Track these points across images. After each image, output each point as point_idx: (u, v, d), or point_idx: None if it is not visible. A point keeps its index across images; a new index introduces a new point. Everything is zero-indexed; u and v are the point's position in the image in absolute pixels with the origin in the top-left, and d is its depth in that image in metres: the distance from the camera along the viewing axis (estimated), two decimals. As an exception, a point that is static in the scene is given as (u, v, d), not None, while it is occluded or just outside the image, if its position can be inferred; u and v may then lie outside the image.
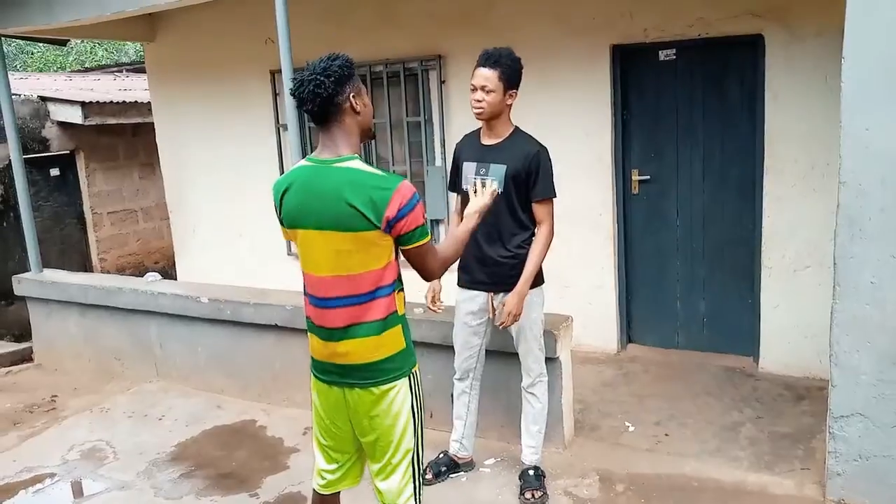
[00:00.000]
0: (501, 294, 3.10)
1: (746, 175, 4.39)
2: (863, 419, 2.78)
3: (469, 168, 3.06)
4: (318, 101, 2.09)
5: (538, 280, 3.09)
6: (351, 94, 2.13)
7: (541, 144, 3.04)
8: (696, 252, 4.64)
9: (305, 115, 2.17)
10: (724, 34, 4.20)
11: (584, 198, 4.74)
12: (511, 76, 2.91)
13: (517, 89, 2.97)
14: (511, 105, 2.99)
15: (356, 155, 2.16)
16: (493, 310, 3.16)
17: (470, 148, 3.12)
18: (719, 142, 4.46)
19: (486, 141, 3.07)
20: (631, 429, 3.81)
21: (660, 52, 4.50)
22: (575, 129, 4.68)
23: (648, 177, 4.69)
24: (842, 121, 2.63)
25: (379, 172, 2.13)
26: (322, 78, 2.07)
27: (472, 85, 2.92)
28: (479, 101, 2.91)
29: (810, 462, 3.34)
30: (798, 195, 4.14)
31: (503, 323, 3.04)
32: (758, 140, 4.26)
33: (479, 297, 3.16)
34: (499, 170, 2.98)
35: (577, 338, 3.87)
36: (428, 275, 2.27)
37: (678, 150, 4.58)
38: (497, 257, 3.06)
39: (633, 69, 4.62)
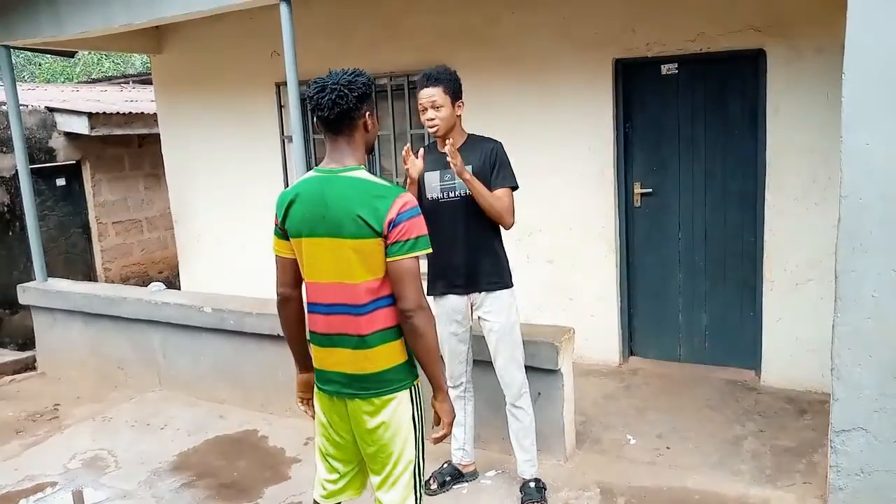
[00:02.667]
0: (483, 294, 3.14)
1: (748, 188, 4.40)
2: (865, 433, 2.77)
3: (432, 177, 3.11)
4: (336, 112, 2.13)
5: (508, 282, 3.15)
6: (366, 113, 2.19)
7: (496, 140, 3.11)
8: (698, 265, 4.66)
9: (316, 120, 2.20)
10: (726, 49, 4.23)
11: (587, 210, 4.77)
12: (454, 89, 3.01)
13: (462, 100, 3.06)
14: (461, 116, 3.07)
15: (362, 165, 2.21)
16: (471, 312, 3.19)
17: (429, 160, 3.14)
18: (721, 155, 4.49)
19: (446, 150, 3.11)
20: (632, 441, 3.81)
21: (662, 66, 4.54)
22: (577, 142, 4.71)
23: (651, 190, 4.72)
24: (842, 135, 2.64)
25: (383, 182, 2.17)
26: (345, 91, 2.11)
27: (421, 105, 3.00)
28: (431, 119, 2.99)
29: (812, 476, 3.33)
30: (799, 209, 4.16)
31: (453, 164, 2.88)
32: (759, 154, 4.28)
33: (458, 303, 3.18)
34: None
35: (579, 350, 3.88)
36: (408, 303, 2.10)
37: (680, 163, 4.61)
38: (471, 258, 3.09)
39: (635, 83, 4.65)
